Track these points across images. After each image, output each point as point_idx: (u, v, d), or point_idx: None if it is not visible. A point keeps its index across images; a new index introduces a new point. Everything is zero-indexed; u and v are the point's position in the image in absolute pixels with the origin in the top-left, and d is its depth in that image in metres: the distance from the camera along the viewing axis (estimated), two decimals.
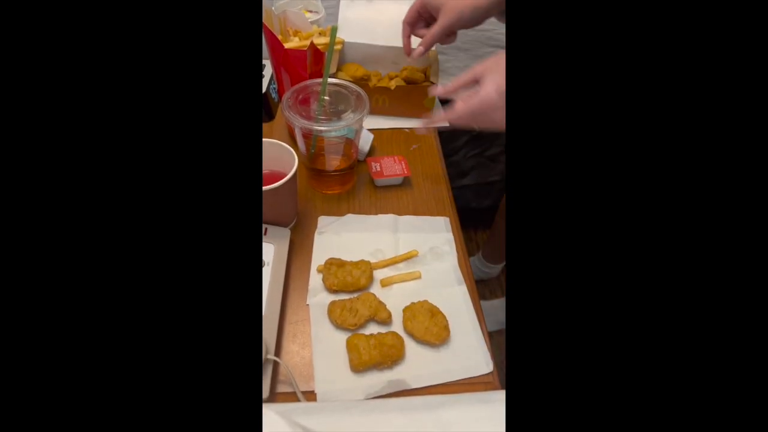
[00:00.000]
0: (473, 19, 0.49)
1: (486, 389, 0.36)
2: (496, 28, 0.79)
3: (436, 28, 0.49)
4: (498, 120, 0.40)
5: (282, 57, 0.49)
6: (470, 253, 1.05)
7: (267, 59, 0.61)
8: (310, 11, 0.63)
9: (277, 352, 0.38)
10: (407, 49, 0.53)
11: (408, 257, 0.45)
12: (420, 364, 0.37)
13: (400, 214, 0.50)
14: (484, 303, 0.92)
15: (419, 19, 0.52)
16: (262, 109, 0.57)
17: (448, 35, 0.50)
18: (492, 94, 0.39)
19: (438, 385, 0.36)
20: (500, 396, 0.32)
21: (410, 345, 0.38)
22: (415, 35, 0.53)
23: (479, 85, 0.40)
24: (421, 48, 0.50)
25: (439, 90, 0.45)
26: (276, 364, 0.36)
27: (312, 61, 0.49)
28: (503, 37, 0.81)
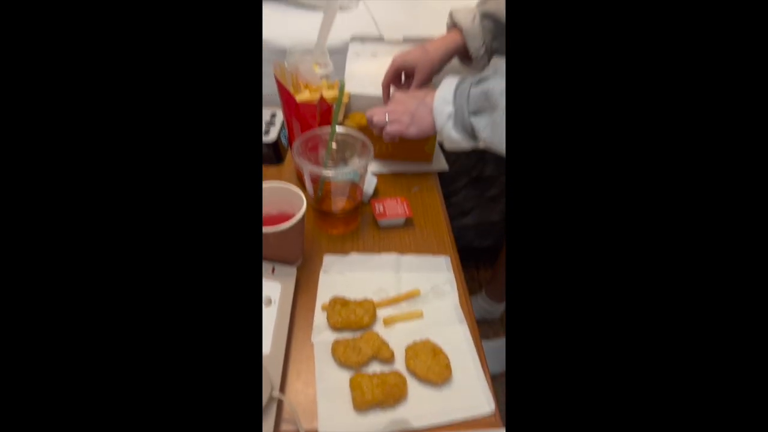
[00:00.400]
0: (441, 65, 0.59)
1: (488, 429, 0.36)
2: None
3: (416, 84, 0.59)
4: (410, 108, 0.52)
5: (294, 109, 0.53)
6: (473, 292, 1.06)
7: (279, 108, 0.66)
8: (320, 65, 0.69)
9: (282, 390, 0.38)
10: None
11: (410, 296, 0.47)
12: (422, 403, 0.38)
13: (402, 253, 0.52)
14: (487, 343, 0.91)
15: (396, 78, 0.61)
16: (261, 153, 0.61)
17: (426, 83, 0.60)
18: (396, 93, 0.55)
19: (440, 424, 0.36)
20: None
21: (412, 384, 0.39)
22: (396, 87, 0.62)
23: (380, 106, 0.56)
24: None
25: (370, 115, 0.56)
26: (280, 402, 0.37)
27: (320, 113, 0.53)
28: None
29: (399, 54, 0.59)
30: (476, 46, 0.58)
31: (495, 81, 0.45)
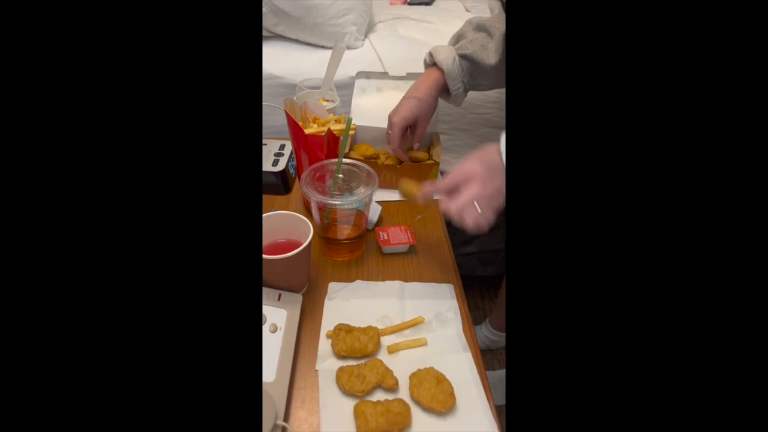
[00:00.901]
0: (436, 106, 0.63)
1: None
2: (493, 111, 0.89)
3: (420, 131, 0.62)
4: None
5: (302, 141, 0.56)
6: (477, 322, 1.05)
7: (288, 140, 0.69)
8: (327, 100, 0.72)
9: (286, 418, 0.38)
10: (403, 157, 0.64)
11: (414, 324, 0.47)
12: None
13: (406, 280, 0.52)
14: (492, 373, 0.90)
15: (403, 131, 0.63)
16: (261, 186, 0.63)
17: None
18: (466, 166, 0.43)
19: None
20: None
21: (417, 412, 0.39)
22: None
23: (458, 193, 0.43)
24: (417, 144, 0.64)
25: (420, 200, 0.48)
26: (284, 430, 0.36)
27: (328, 145, 0.55)
28: (498, 119, 0.90)
29: (395, 114, 0.59)
30: (456, 85, 0.61)
31: None
